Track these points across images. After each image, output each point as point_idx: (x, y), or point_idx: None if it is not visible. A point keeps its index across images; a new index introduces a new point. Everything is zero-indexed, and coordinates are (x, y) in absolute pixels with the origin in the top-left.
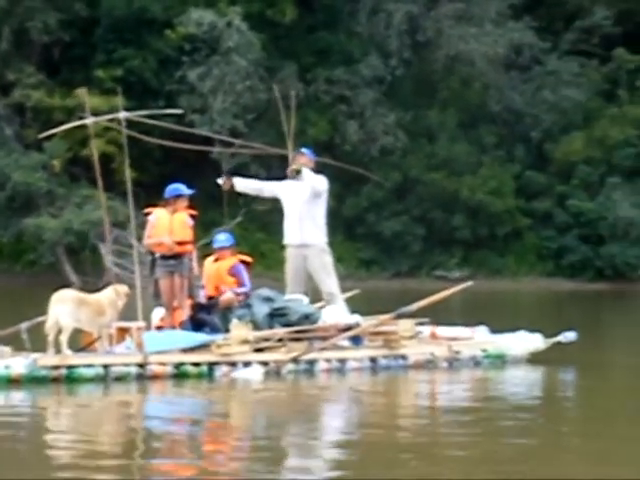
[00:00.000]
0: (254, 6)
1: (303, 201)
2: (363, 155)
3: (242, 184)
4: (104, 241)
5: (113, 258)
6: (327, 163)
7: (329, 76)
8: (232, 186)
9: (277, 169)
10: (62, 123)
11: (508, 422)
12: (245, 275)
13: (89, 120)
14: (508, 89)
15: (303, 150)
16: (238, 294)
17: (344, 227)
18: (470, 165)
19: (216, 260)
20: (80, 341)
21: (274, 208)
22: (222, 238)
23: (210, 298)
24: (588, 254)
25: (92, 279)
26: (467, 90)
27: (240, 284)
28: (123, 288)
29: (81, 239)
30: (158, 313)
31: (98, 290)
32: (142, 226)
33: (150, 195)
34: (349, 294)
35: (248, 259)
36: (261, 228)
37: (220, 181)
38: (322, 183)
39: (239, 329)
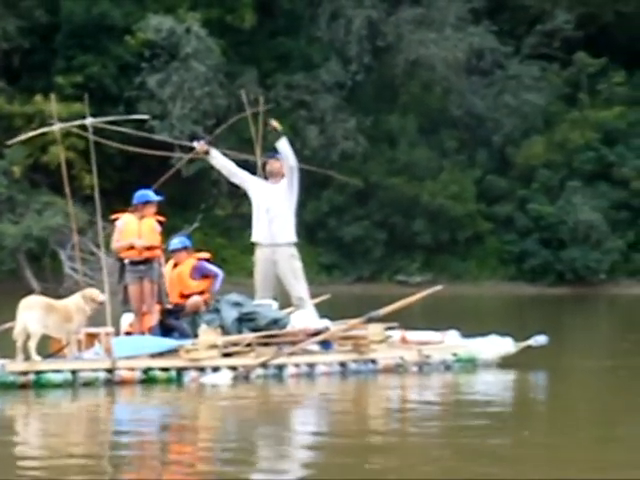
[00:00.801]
0: (213, 12)
1: (275, 201)
2: (323, 160)
3: (218, 157)
4: (63, 247)
5: (72, 264)
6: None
7: (289, 81)
8: (207, 152)
9: None
10: (22, 129)
11: (478, 425)
12: (211, 267)
13: (56, 127)
14: (469, 93)
15: (278, 155)
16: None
17: (305, 232)
18: (431, 170)
19: (175, 265)
20: (49, 347)
21: (234, 213)
22: (175, 241)
23: (175, 305)
24: (549, 258)
25: (52, 285)
26: (428, 95)
27: (212, 277)
28: (94, 293)
29: (41, 245)
30: (127, 319)
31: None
32: (103, 232)
33: (110, 201)
34: (319, 299)
35: (206, 255)
36: (221, 233)
37: (196, 144)
38: (293, 159)
39: (207, 334)
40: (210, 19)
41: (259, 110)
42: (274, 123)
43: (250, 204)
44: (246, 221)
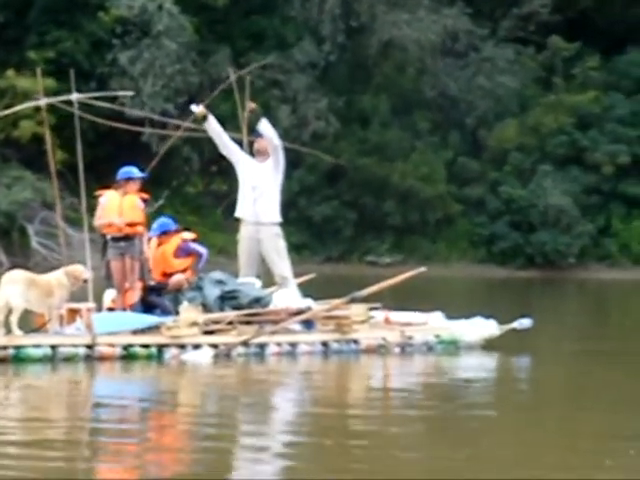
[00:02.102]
0: None
1: (261, 179)
2: (294, 140)
3: (214, 124)
4: (31, 222)
5: (40, 239)
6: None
7: (262, 60)
8: (205, 117)
9: (209, 153)
10: None
11: (456, 406)
12: (195, 246)
13: (42, 101)
14: (443, 75)
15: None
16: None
17: None
18: (403, 151)
19: (159, 245)
20: (32, 323)
21: (205, 191)
22: (154, 227)
23: (158, 282)
24: (519, 241)
25: (21, 260)
26: (401, 76)
27: (196, 255)
28: (78, 270)
29: (10, 220)
30: (110, 295)
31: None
32: (70, 207)
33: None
34: (304, 278)
35: (191, 235)
36: (192, 211)
37: (194, 108)
38: (277, 138)
39: (188, 312)
40: None
41: (245, 76)
42: (252, 105)
43: (223, 181)
44: (217, 199)
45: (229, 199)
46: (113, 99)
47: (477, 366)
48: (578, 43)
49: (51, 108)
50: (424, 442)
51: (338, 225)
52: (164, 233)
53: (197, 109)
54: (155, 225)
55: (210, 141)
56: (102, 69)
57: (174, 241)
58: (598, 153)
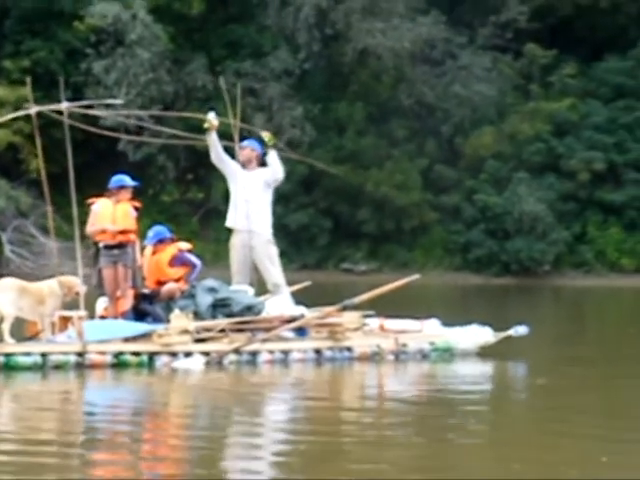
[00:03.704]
0: None
1: (253, 192)
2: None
3: (216, 137)
4: (4, 230)
5: (13, 247)
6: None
7: (238, 69)
8: (210, 129)
9: (184, 161)
10: None
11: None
12: (191, 257)
13: (32, 110)
14: (420, 83)
15: (244, 143)
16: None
17: None
18: (378, 158)
19: (154, 253)
20: (26, 331)
21: (182, 200)
22: (150, 235)
23: (151, 291)
24: (494, 248)
25: None
26: (377, 84)
27: (190, 266)
28: (72, 282)
29: None
30: (102, 303)
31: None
32: (43, 216)
33: (56, 186)
34: (299, 286)
35: (187, 246)
36: (168, 219)
37: (212, 116)
38: (281, 172)
39: (179, 319)
40: (158, 6)
41: (236, 96)
42: (265, 135)
43: (198, 190)
44: (193, 207)
45: (205, 207)
46: (90, 108)
47: (472, 373)
48: (555, 50)
49: (26, 117)
50: (417, 453)
51: (314, 233)
52: (160, 241)
53: (214, 120)
54: (151, 233)
55: (185, 150)
56: (76, 78)
57: (170, 250)
58: (574, 160)
